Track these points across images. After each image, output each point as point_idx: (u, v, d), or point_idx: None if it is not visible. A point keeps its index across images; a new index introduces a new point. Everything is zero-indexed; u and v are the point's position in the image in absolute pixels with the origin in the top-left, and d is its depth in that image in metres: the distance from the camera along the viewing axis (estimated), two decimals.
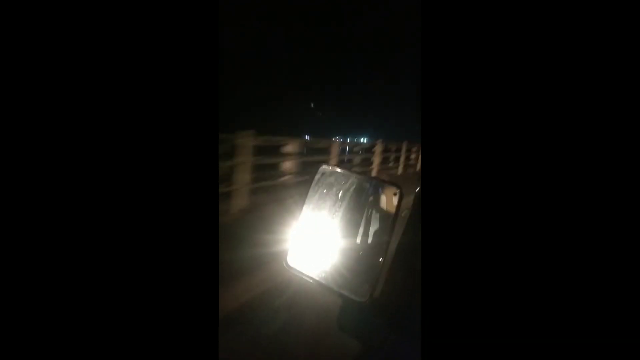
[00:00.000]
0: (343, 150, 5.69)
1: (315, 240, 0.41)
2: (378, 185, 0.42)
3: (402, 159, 7.66)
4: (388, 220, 0.38)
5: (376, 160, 5.91)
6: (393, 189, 0.39)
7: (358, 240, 0.40)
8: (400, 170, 7.55)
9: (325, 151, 4.29)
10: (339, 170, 0.42)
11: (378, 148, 5.88)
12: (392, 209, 0.38)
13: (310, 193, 0.41)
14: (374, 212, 0.40)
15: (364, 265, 0.38)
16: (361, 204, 0.41)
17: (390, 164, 7.46)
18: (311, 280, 0.39)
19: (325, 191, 0.41)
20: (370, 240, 0.40)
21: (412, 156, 9.09)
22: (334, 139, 5.38)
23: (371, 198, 0.41)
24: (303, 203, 0.41)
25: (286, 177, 3.78)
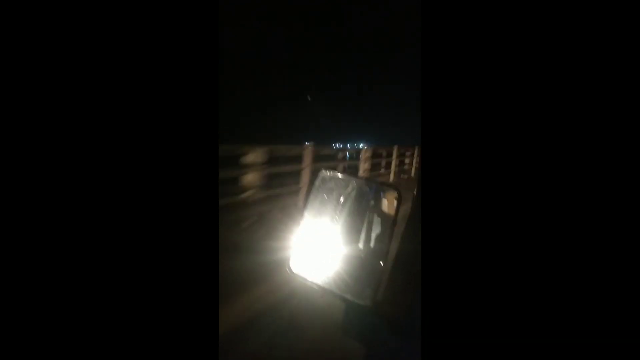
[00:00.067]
0: (328, 156, 5.38)
1: (317, 246, 0.41)
2: (378, 189, 0.42)
3: (393, 164, 7.33)
4: (388, 223, 0.39)
5: (361, 167, 5.58)
6: (393, 193, 0.40)
7: (360, 244, 0.40)
8: (391, 177, 7.24)
9: (297, 159, 3.94)
10: (338, 175, 0.42)
11: (365, 154, 5.55)
12: (393, 213, 0.39)
13: (311, 198, 0.42)
14: (374, 216, 0.40)
15: (366, 269, 0.38)
16: (362, 208, 0.41)
17: (382, 171, 7.18)
18: (314, 286, 0.39)
19: (325, 196, 0.41)
20: (371, 244, 0.40)
21: (407, 161, 8.81)
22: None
23: (371, 202, 0.41)
24: (304, 209, 0.41)
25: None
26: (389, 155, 7.33)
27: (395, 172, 7.52)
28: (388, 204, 0.41)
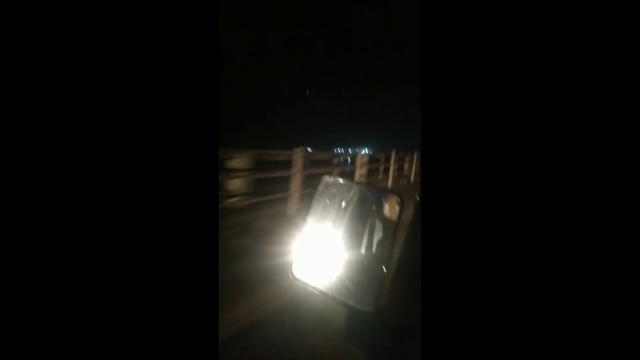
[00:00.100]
0: (321, 161, 5.08)
1: (320, 251, 0.41)
2: (380, 194, 0.42)
3: (391, 170, 7.05)
4: (391, 229, 0.39)
5: (357, 172, 5.28)
6: (396, 198, 0.40)
7: (362, 250, 0.40)
8: (389, 182, 6.95)
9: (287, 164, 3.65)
10: (341, 180, 0.43)
11: (361, 159, 5.25)
12: (395, 218, 0.39)
13: (313, 204, 0.42)
14: (377, 221, 0.40)
15: (368, 274, 0.38)
16: (364, 213, 0.41)
17: (380, 176, 6.90)
18: (317, 291, 0.39)
19: (328, 202, 0.42)
20: (374, 249, 0.40)
21: (406, 166, 8.53)
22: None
23: (374, 208, 0.41)
24: (307, 214, 0.41)
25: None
26: (388, 160, 7.02)
27: (393, 178, 7.23)
28: (390, 209, 0.40)
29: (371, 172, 6.50)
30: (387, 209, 0.41)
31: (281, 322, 1.64)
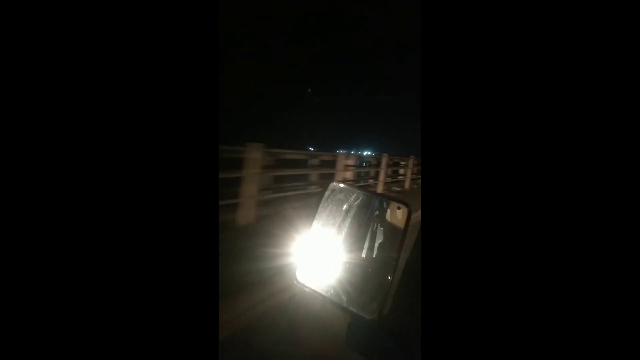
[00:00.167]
0: (292, 160, 4.32)
1: (325, 257, 0.41)
2: (387, 202, 0.41)
3: (382, 174, 6.29)
4: (397, 237, 0.39)
5: (337, 175, 4.50)
6: (403, 207, 0.40)
7: (367, 257, 0.40)
8: (380, 188, 6.19)
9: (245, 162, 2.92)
10: (348, 187, 0.43)
11: (340, 160, 4.46)
12: (401, 226, 0.39)
13: (320, 209, 0.42)
14: (383, 229, 0.40)
15: (373, 282, 0.38)
16: (370, 221, 0.41)
17: (370, 181, 6.17)
18: (320, 297, 0.39)
19: (334, 208, 0.42)
20: (379, 257, 0.40)
21: (401, 171, 7.80)
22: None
23: (380, 215, 0.41)
24: (312, 219, 0.41)
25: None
26: (388, 164, 6.26)
27: (385, 183, 6.47)
28: (397, 218, 0.39)
29: (358, 176, 5.76)
30: (393, 217, 0.40)
31: (280, 325, 1.60)
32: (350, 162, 5.49)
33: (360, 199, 0.41)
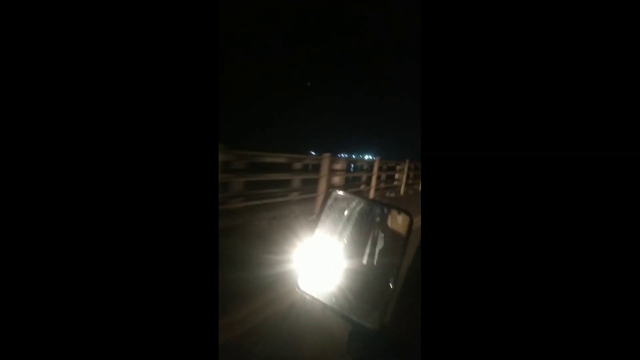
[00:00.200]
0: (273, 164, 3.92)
1: (327, 265, 0.41)
2: (389, 210, 0.41)
3: (374, 179, 5.89)
4: (399, 246, 0.39)
5: (321, 183, 4.09)
6: (405, 216, 0.40)
7: (369, 265, 0.40)
8: (371, 194, 5.79)
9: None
10: (350, 195, 0.43)
11: (326, 164, 4.06)
12: (402, 233, 0.39)
13: (322, 217, 0.42)
14: (385, 238, 0.40)
15: (374, 291, 0.38)
16: (372, 230, 0.41)
17: (362, 187, 5.78)
18: (321, 305, 0.39)
19: (336, 215, 0.42)
20: (380, 265, 0.40)
21: (397, 176, 7.42)
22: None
23: (382, 224, 0.41)
24: (315, 226, 0.42)
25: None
26: (381, 168, 5.86)
27: (377, 189, 6.08)
28: (399, 227, 0.40)
29: (348, 182, 5.37)
30: (394, 225, 0.40)
31: (280, 332, 1.59)
32: (339, 166, 5.10)
33: (362, 206, 0.42)
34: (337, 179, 5.11)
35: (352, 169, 6.20)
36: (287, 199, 3.98)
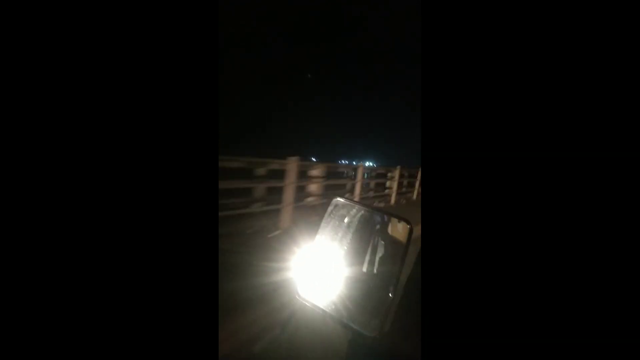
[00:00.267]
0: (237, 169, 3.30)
1: (327, 273, 0.41)
2: (389, 218, 0.42)
3: (358, 187, 5.29)
4: (398, 255, 0.39)
5: (288, 191, 3.46)
6: (404, 224, 0.40)
7: (369, 273, 0.40)
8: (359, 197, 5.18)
9: None
10: (351, 203, 0.43)
11: (293, 169, 3.43)
12: (402, 241, 0.39)
13: (322, 224, 0.42)
14: (385, 245, 0.41)
15: (374, 299, 0.38)
16: (372, 237, 0.41)
17: (347, 195, 5.19)
18: (321, 312, 0.39)
19: (337, 223, 0.42)
20: (380, 272, 0.40)
21: (387, 184, 6.82)
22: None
23: (383, 232, 0.41)
24: (315, 234, 0.41)
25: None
26: (383, 175, 5.24)
27: (361, 199, 5.47)
28: (399, 235, 0.40)
29: (327, 189, 4.76)
30: (395, 233, 0.40)
31: (280, 341, 1.57)
32: (315, 172, 4.50)
33: (362, 214, 0.41)
34: (313, 187, 4.50)
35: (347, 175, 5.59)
36: (247, 210, 3.36)
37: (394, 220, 0.40)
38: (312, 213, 4.20)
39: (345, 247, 0.40)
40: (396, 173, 6.85)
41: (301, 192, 4.38)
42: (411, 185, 8.06)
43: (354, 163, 5.30)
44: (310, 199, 4.52)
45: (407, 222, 0.39)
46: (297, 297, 0.39)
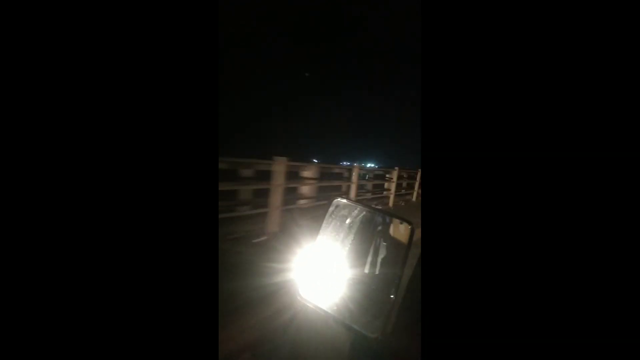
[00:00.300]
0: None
1: (328, 273, 0.41)
2: (390, 219, 0.41)
3: (353, 188, 5.05)
4: (400, 256, 0.39)
5: (274, 197, 3.21)
6: (406, 225, 0.40)
7: (370, 275, 0.40)
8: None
9: None
10: (352, 203, 0.42)
11: (280, 170, 3.19)
12: (404, 242, 0.39)
13: (323, 225, 0.42)
14: (386, 246, 0.40)
15: (376, 300, 0.38)
16: (374, 238, 0.41)
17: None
18: (323, 314, 0.39)
19: (338, 224, 0.41)
20: (382, 273, 0.40)
21: (386, 185, 6.58)
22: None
23: (384, 233, 0.41)
24: (316, 234, 0.41)
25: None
26: (372, 177, 5.00)
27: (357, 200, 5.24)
28: (401, 235, 0.40)
29: (320, 191, 4.53)
30: (396, 233, 0.40)
31: (282, 343, 1.55)
32: (307, 173, 4.27)
33: (364, 214, 0.41)
34: (304, 189, 4.27)
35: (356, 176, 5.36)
36: (231, 214, 3.12)
37: (396, 221, 0.40)
38: (305, 216, 3.97)
39: (347, 248, 0.40)
40: (394, 174, 6.61)
41: (292, 194, 4.16)
42: (411, 186, 7.83)
43: (354, 164, 5.06)
44: (302, 202, 4.29)
45: (409, 223, 0.39)
46: (298, 298, 0.39)
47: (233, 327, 1.62)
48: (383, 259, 0.39)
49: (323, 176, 4.58)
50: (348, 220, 0.41)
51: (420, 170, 8.06)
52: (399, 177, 6.89)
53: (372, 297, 0.37)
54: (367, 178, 6.35)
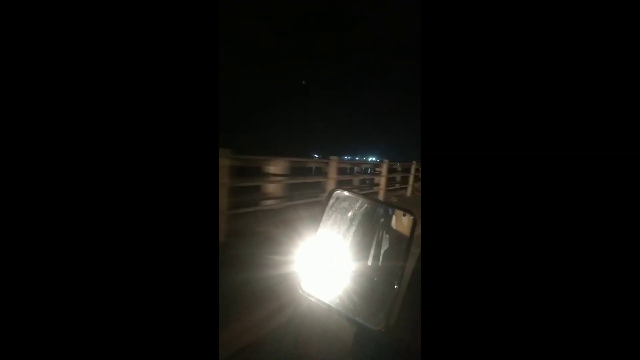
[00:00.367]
0: None
1: (330, 266, 0.40)
2: (392, 210, 0.41)
3: (330, 187, 4.50)
4: (402, 245, 0.38)
5: (271, 188, 2.68)
6: (408, 216, 0.39)
7: (373, 267, 0.39)
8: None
9: None
10: (352, 195, 0.42)
11: (276, 166, 2.64)
12: (406, 234, 0.39)
13: (324, 217, 0.41)
14: (388, 238, 0.40)
15: (379, 292, 0.38)
16: (375, 230, 0.40)
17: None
18: (325, 307, 0.38)
19: (339, 216, 0.41)
20: (385, 266, 0.39)
21: (376, 180, 6.03)
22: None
23: (386, 224, 0.40)
24: (317, 227, 0.41)
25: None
26: (358, 171, 4.45)
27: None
28: (403, 227, 0.39)
29: (293, 188, 4.00)
30: (399, 225, 0.39)
31: (285, 336, 1.56)
32: (275, 169, 3.73)
33: (366, 206, 0.41)
34: (271, 188, 3.73)
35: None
36: None
37: (398, 212, 0.39)
38: (271, 220, 3.44)
39: (349, 240, 0.39)
40: (383, 168, 6.04)
41: (255, 193, 3.62)
42: (405, 180, 7.27)
43: (331, 158, 4.50)
44: (269, 202, 3.75)
45: (412, 213, 0.38)
46: (300, 291, 0.38)
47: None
48: (386, 251, 0.38)
49: (294, 172, 4.03)
50: (350, 213, 0.40)
51: (414, 162, 7.49)
52: (391, 171, 6.33)
53: (374, 289, 0.37)
54: (355, 172, 5.80)
